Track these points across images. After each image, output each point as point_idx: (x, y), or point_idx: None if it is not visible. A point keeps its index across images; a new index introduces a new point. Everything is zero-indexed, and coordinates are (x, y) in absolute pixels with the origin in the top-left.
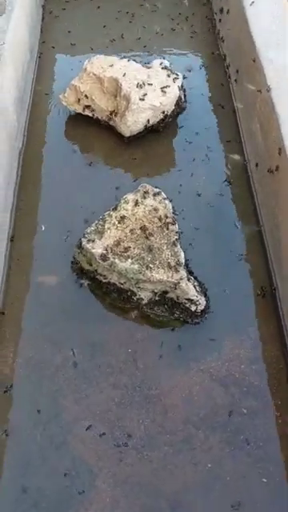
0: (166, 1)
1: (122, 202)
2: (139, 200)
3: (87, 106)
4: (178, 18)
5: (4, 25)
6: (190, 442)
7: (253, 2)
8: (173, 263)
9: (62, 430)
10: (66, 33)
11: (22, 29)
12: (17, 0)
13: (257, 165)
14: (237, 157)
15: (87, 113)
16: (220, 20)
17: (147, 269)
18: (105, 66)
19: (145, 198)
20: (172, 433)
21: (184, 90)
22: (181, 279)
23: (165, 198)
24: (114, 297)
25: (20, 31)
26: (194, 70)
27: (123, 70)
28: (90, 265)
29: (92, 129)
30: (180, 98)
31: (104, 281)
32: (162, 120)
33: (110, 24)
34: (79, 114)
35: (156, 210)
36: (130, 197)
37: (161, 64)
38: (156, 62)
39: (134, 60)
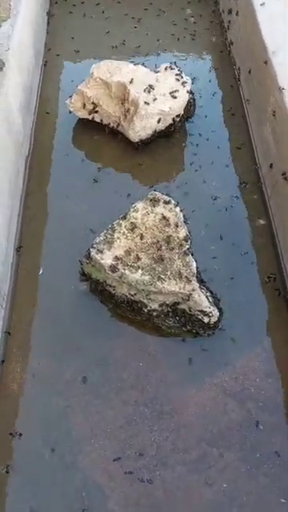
0: (171, 6)
1: (132, 210)
2: (149, 208)
3: (94, 112)
4: (184, 23)
5: (9, 30)
6: (204, 461)
7: (263, 4)
8: (185, 274)
9: (71, 448)
10: (72, 38)
11: (27, 34)
12: (22, 5)
13: (270, 168)
14: (248, 161)
15: (94, 118)
16: (228, 22)
17: (158, 280)
18: (112, 70)
19: (155, 206)
20: (185, 451)
21: (193, 94)
22: (193, 290)
23: (175, 206)
24: (124, 308)
25: (25, 36)
26: (203, 74)
27: (131, 74)
28: (99, 276)
29: (100, 134)
30: (189, 102)
31: (113, 292)
32: (171, 125)
33: (115, 29)
34: (86, 120)
35: (166, 218)
36: (140, 205)
37: (169, 68)
38: (164, 66)
39: (143, 64)
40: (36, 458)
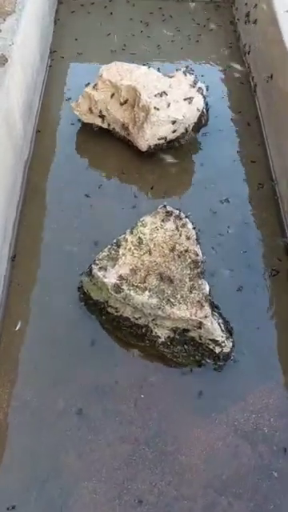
0: (180, 10)
1: (139, 224)
2: (158, 223)
3: (101, 116)
4: (195, 28)
5: (14, 24)
6: (211, 511)
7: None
8: (197, 298)
9: (62, 490)
10: (78, 39)
11: (32, 30)
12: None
13: None
14: (263, 176)
15: (101, 124)
16: (245, 31)
17: (167, 304)
18: (122, 73)
19: (164, 220)
20: (190, 499)
21: (207, 104)
22: (205, 317)
23: (188, 223)
24: (127, 333)
25: (30, 33)
26: (217, 83)
27: (143, 78)
28: (101, 295)
29: (106, 141)
30: (203, 111)
31: (116, 314)
32: (184, 134)
33: (123, 32)
34: (92, 125)
35: (178, 235)
36: (149, 219)
37: (184, 73)
38: (179, 71)
39: (157, 68)
40: (22, 500)
